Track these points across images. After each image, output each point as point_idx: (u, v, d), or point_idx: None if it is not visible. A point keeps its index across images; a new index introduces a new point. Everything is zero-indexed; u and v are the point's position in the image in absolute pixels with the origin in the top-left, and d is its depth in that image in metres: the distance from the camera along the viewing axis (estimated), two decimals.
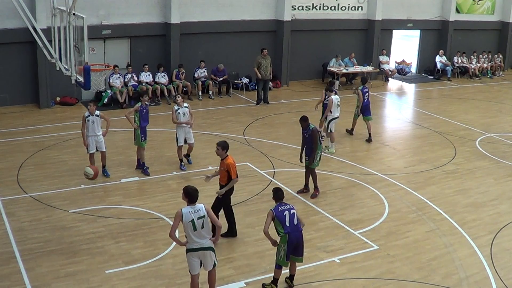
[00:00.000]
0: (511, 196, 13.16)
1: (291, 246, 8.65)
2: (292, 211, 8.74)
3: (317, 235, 10.86)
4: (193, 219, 7.88)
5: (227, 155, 10.25)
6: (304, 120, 12.30)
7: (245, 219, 11.36)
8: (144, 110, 13.32)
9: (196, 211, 7.93)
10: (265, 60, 20.09)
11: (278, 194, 8.85)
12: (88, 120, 12.61)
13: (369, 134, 16.69)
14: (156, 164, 13.90)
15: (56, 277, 9.07)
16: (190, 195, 7.99)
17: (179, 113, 13.56)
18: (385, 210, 12.05)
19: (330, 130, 15.50)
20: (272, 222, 8.70)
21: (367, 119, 16.79)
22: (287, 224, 8.61)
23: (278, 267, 8.81)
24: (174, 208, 11.63)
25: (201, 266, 8.27)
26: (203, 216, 7.95)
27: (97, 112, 12.74)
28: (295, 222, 8.70)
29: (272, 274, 8.95)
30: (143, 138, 13.34)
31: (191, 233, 7.93)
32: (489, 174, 14.47)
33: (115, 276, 9.18)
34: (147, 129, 13.61)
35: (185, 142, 13.78)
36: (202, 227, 7.95)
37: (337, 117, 15.60)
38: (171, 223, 10.88)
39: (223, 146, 10.21)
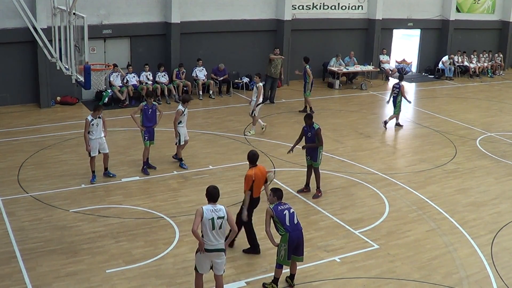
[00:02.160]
0: (511, 195, 13.16)
1: (292, 245, 8.65)
2: (291, 210, 8.75)
3: (318, 234, 10.86)
4: (213, 217, 7.92)
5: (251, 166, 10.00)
6: (309, 118, 12.36)
7: None
8: (150, 110, 13.24)
9: (217, 210, 7.99)
10: (277, 58, 20.12)
11: (277, 193, 8.85)
12: (93, 124, 12.52)
13: (310, 108, 19.07)
14: (156, 164, 13.89)
15: (56, 276, 9.08)
16: (211, 194, 8.09)
17: (184, 114, 13.55)
18: (386, 210, 12.06)
19: (254, 114, 16.55)
20: (272, 220, 8.70)
21: (308, 96, 19.05)
22: (287, 224, 8.62)
23: (279, 266, 8.81)
24: (175, 207, 11.69)
25: (210, 268, 8.26)
26: (223, 217, 8.00)
27: (100, 115, 12.72)
28: (295, 221, 8.71)
29: (273, 274, 8.95)
30: (146, 138, 13.31)
31: (209, 231, 7.92)
32: (489, 173, 14.47)
33: (115, 276, 9.19)
34: (154, 130, 13.49)
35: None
36: (220, 227, 7.98)
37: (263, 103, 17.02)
38: (172, 222, 10.99)
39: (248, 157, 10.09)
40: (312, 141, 12.27)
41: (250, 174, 9.79)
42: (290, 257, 8.71)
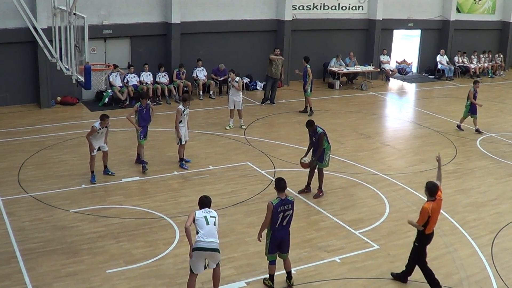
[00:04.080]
0: (511, 196, 13.15)
1: (274, 242, 8.75)
2: (287, 212, 8.72)
3: (318, 234, 10.86)
4: (205, 216, 8.24)
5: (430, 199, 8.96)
6: (310, 125, 12.34)
7: (246, 218, 11.37)
8: (144, 110, 13.40)
9: (208, 212, 8.33)
10: (277, 59, 20.13)
11: (280, 184, 8.82)
12: (98, 132, 12.59)
13: (310, 108, 18.96)
14: (156, 164, 13.91)
15: (56, 276, 9.08)
16: (202, 202, 8.45)
17: (185, 114, 13.60)
18: (386, 210, 12.05)
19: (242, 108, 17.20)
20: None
21: (309, 95, 19.04)
22: (276, 226, 8.68)
23: (270, 263, 8.88)
24: (175, 208, 11.69)
25: (205, 268, 8.35)
26: (215, 217, 8.30)
27: (107, 124, 12.76)
28: (284, 223, 8.74)
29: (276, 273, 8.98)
30: (142, 136, 13.41)
31: (204, 227, 8.11)
32: (489, 173, 14.47)
33: (115, 276, 9.18)
34: (148, 127, 13.64)
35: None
36: (214, 224, 8.21)
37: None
38: (172, 222, 11.00)
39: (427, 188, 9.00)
40: (318, 146, 12.27)
41: (427, 208, 8.80)
42: (272, 251, 8.77)
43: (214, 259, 8.26)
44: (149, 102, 13.65)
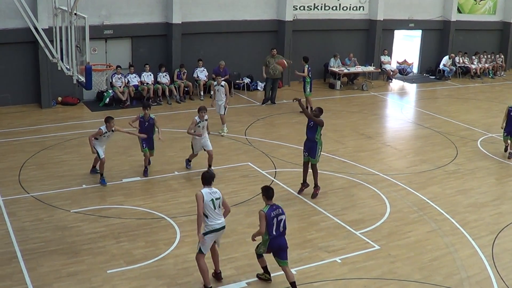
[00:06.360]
0: None
1: (271, 250, 8.76)
2: (280, 217, 8.71)
3: (319, 235, 10.86)
4: (212, 199, 8.64)
5: None
6: (321, 111, 12.27)
7: (247, 219, 11.36)
8: (146, 123, 13.09)
9: (213, 192, 8.71)
10: (275, 59, 20.11)
11: (268, 193, 8.80)
12: (105, 136, 12.56)
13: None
14: (157, 164, 13.91)
15: (57, 277, 9.08)
16: (206, 178, 8.82)
17: (199, 126, 13.18)
18: (387, 210, 12.05)
19: (224, 113, 16.69)
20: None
21: (309, 95, 19.12)
22: (274, 233, 8.64)
23: (258, 256, 8.98)
24: (176, 208, 11.70)
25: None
26: (219, 198, 8.73)
27: (113, 128, 12.67)
28: (281, 229, 8.72)
29: (274, 273, 8.96)
30: (144, 145, 13.19)
31: (213, 212, 8.61)
32: (490, 174, 14.46)
33: (116, 276, 9.19)
34: (153, 139, 13.37)
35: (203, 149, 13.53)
36: (219, 206, 8.73)
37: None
38: (173, 223, 11.01)
39: None
40: (312, 132, 12.19)
41: None
42: (267, 252, 8.87)
43: (221, 235, 8.90)
44: (153, 116, 13.19)
